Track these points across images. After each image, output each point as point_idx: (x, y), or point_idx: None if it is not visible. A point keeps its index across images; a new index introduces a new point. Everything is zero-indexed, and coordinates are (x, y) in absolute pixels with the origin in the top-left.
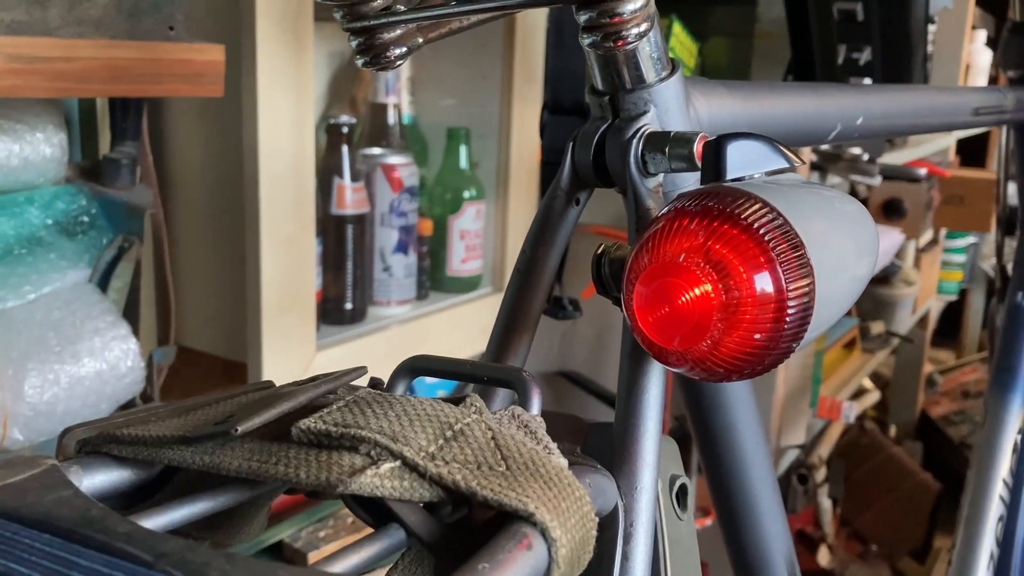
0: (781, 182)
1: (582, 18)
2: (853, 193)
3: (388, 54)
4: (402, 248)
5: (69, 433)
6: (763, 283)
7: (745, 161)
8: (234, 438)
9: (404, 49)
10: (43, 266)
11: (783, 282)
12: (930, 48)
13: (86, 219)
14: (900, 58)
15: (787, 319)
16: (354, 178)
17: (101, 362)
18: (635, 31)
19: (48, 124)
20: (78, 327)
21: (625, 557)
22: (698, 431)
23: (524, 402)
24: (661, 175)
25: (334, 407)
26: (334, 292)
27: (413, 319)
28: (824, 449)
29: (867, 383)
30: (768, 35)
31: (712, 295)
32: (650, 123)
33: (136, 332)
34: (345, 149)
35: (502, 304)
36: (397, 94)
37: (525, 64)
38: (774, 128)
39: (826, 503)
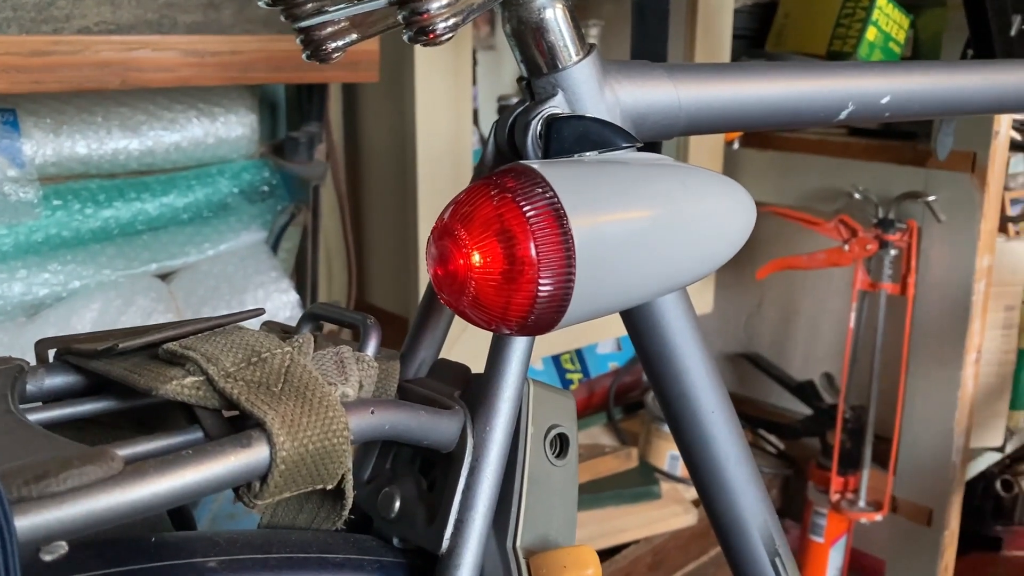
0: (612, 159)
1: (399, 16)
2: None
3: (325, 47)
4: None
5: (40, 343)
6: (517, 251)
7: (580, 140)
8: (124, 352)
9: (340, 43)
10: (223, 228)
11: (535, 252)
12: None
13: (266, 189)
14: None
15: (541, 286)
16: None
17: None
18: (442, 25)
19: (241, 107)
20: (247, 280)
21: (468, 487)
22: (659, 396)
23: (362, 343)
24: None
25: (197, 336)
26: None
27: None
28: None
29: None
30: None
31: (464, 261)
32: (557, 106)
33: (303, 288)
34: None
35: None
36: None
37: (707, 45)
38: (731, 109)
39: None
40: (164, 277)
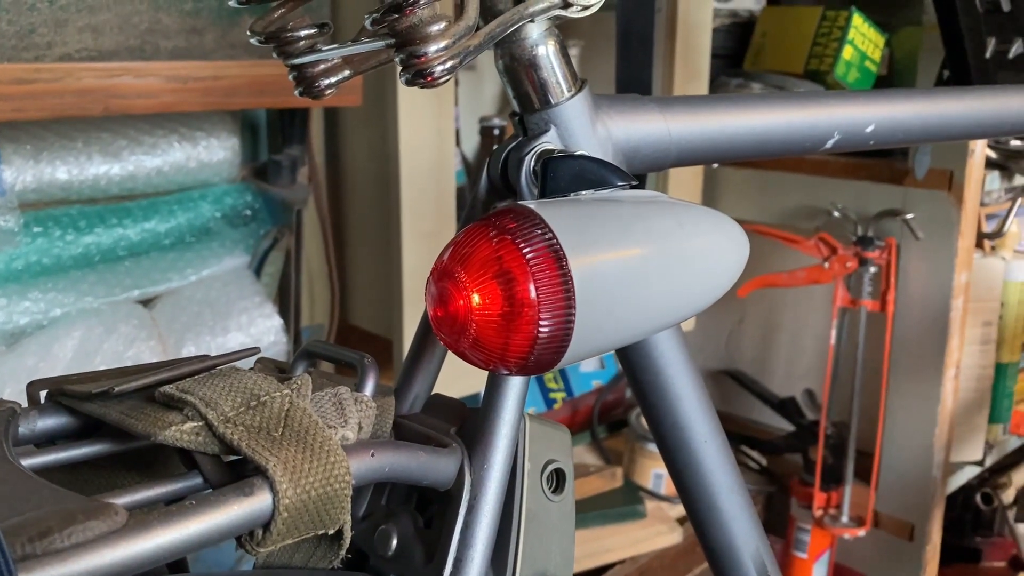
0: (608, 198)
1: (396, 58)
2: None
3: (318, 84)
4: None
5: (32, 384)
6: (517, 292)
7: (575, 179)
8: (121, 395)
9: (332, 80)
10: (206, 253)
11: (535, 293)
12: None
13: (249, 213)
14: None
15: (541, 327)
16: None
17: (246, 336)
18: (440, 68)
19: (222, 131)
20: (230, 305)
21: (466, 526)
22: (651, 425)
23: (360, 382)
24: None
25: (193, 378)
26: None
27: None
28: None
29: None
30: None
31: (464, 303)
32: (551, 141)
33: (287, 312)
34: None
35: (425, 310)
36: None
37: (686, 65)
38: (721, 141)
39: (1020, 529)
40: (146, 303)
